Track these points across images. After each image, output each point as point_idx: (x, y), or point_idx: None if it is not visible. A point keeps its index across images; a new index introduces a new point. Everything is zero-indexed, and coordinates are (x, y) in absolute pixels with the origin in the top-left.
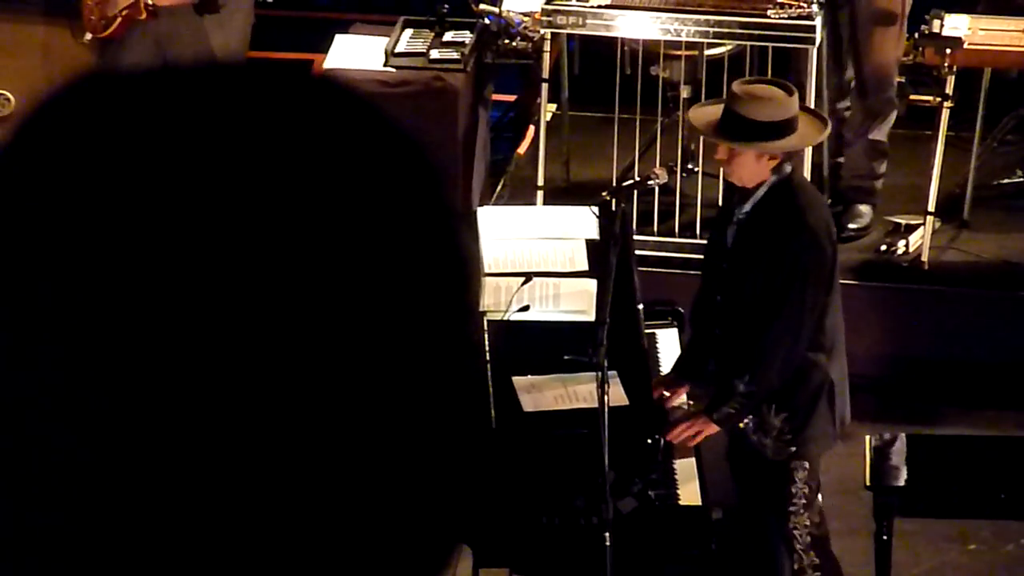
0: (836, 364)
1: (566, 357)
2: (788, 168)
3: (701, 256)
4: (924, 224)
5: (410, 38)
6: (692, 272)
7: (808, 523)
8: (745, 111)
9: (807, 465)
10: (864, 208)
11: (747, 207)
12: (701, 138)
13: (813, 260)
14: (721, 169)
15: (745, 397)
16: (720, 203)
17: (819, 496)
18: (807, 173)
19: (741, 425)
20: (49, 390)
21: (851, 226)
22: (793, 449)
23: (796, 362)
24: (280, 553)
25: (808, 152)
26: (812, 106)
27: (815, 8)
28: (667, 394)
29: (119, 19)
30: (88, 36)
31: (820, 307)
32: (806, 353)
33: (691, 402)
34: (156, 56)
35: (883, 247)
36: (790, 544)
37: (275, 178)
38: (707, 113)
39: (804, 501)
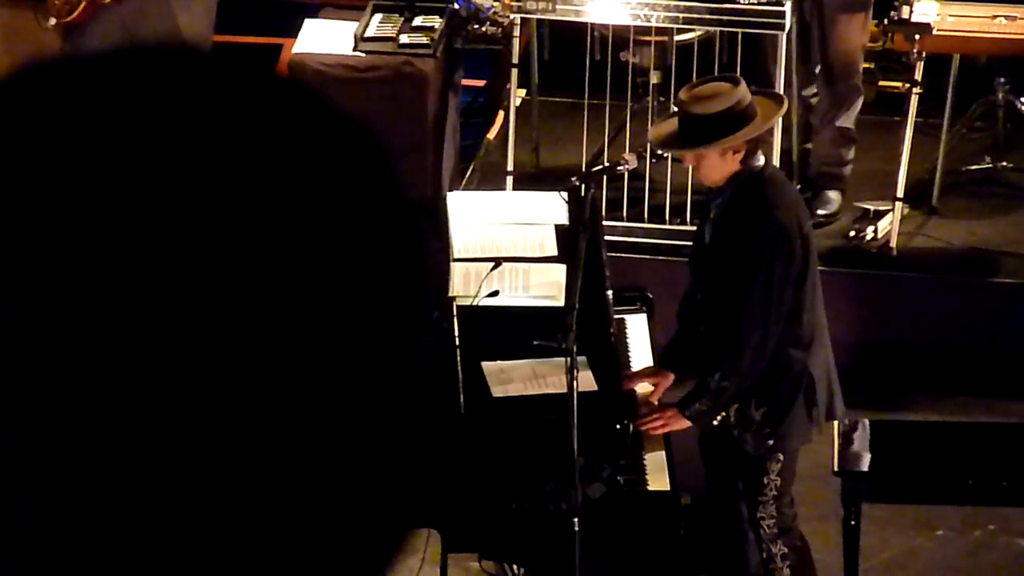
0: (817, 358)
1: (535, 342)
2: (760, 161)
3: (670, 242)
4: (893, 210)
5: (379, 23)
6: (661, 258)
7: (776, 514)
8: (698, 110)
9: (781, 458)
10: (833, 194)
11: (720, 203)
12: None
13: (780, 254)
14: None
15: (716, 394)
16: (692, 195)
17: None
18: (776, 159)
19: (715, 422)
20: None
21: (820, 212)
22: (771, 443)
23: (767, 357)
24: (244, 533)
25: (777, 139)
26: (781, 92)
27: None
28: (651, 387)
29: (84, 2)
30: (52, 21)
31: (790, 301)
32: (784, 348)
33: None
34: (122, 40)
35: (852, 233)
36: (757, 533)
37: (236, 165)
38: (664, 128)
39: (775, 493)
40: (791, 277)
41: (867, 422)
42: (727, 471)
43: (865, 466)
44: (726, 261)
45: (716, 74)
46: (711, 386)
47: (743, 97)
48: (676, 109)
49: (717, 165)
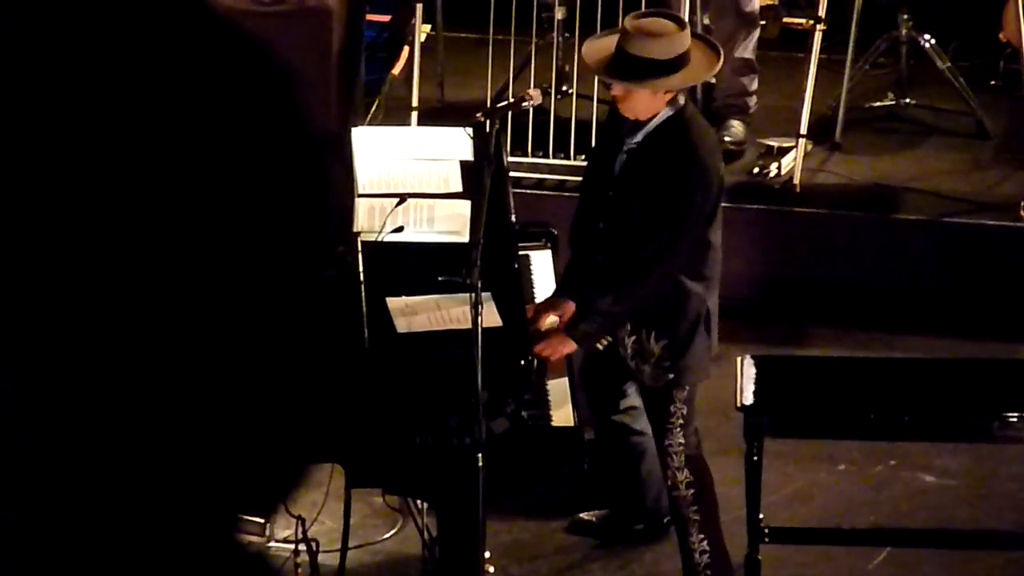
0: (712, 295)
1: (440, 278)
2: (681, 100)
3: (575, 178)
4: (796, 146)
5: None
6: (566, 194)
7: (683, 440)
8: (638, 50)
9: (687, 387)
10: (736, 122)
11: (639, 137)
12: (576, 60)
13: (699, 196)
14: (612, 98)
15: (605, 316)
16: (601, 129)
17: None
18: None
19: (599, 346)
20: None
21: (727, 139)
22: (671, 376)
23: (664, 290)
24: (146, 464)
25: None
26: (686, 19)
27: None
28: (555, 317)
29: None
30: None
31: (697, 239)
32: (686, 282)
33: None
34: None
35: (755, 169)
36: (664, 461)
37: (142, 100)
38: (600, 48)
39: (682, 421)
40: (704, 217)
41: (768, 357)
42: (613, 402)
43: (770, 401)
44: (639, 194)
45: (661, 8)
46: (601, 308)
47: (684, 40)
48: (619, 34)
49: (646, 102)
